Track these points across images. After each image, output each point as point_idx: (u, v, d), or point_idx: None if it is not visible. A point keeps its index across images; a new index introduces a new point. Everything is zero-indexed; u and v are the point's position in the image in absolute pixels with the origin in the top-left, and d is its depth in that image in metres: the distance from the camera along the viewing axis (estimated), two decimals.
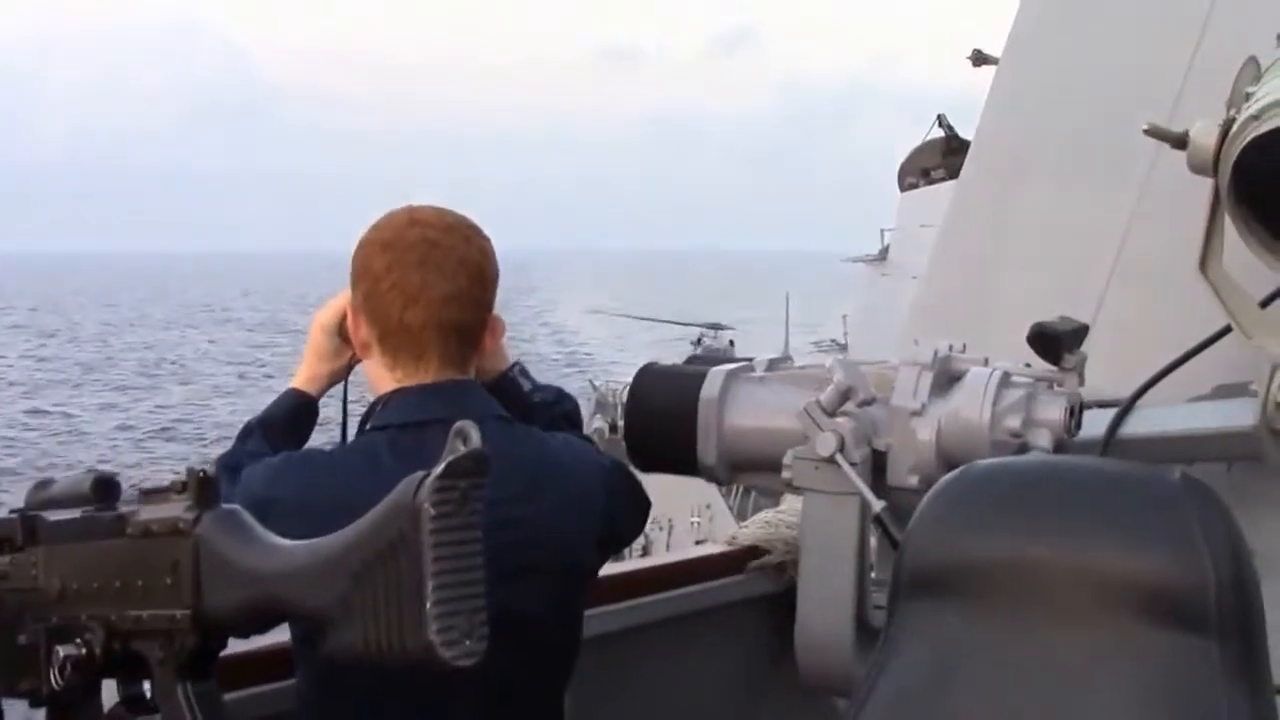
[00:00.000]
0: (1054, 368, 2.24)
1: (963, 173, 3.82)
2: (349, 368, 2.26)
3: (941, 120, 24.37)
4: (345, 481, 1.92)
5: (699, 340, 59.03)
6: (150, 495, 1.31)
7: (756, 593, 2.88)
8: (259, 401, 2.57)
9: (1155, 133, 2.48)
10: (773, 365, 2.48)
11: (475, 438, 1.18)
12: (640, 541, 21.03)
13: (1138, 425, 2.62)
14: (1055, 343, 2.22)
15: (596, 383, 43.74)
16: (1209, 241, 2.52)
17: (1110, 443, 2.60)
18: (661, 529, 20.43)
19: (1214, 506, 1.56)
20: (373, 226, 2.13)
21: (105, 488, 1.38)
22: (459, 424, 1.21)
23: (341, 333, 2.23)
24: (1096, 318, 3.04)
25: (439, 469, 1.15)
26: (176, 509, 1.28)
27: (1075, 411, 2.27)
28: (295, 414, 2.23)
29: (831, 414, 2.25)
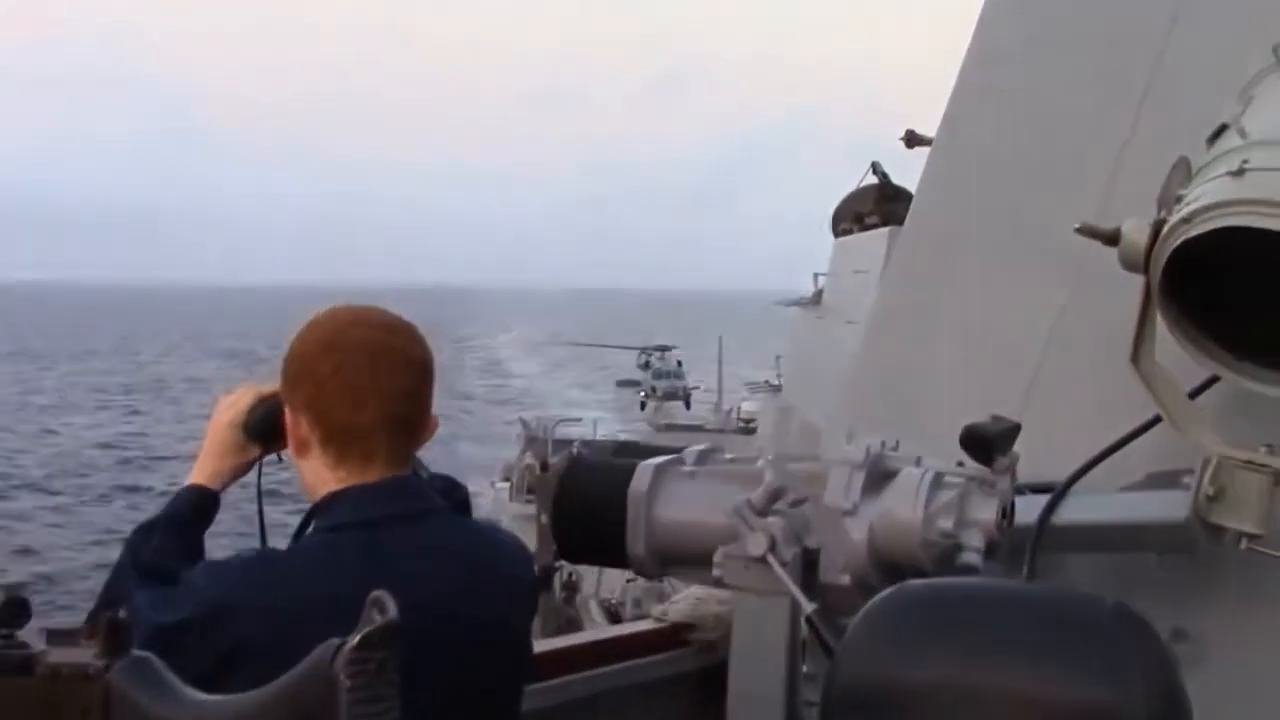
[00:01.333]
0: (986, 469, 2.26)
1: (895, 255, 3.85)
2: (252, 463, 2.28)
3: (876, 167, 24.60)
4: (310, 584, 1.95)
5: (646, 363, 59.72)
6: (58, 637, 1.29)
7: (688, 669, 2.91)
8: None
9: (1087, 231, 2.52)
10: (703, 458, 2.48)
11: (391, 609, 1.19)
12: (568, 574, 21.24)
13: (1070, 513, 2.64)
14: (987, 444, 2.24)
15: (527, 418, 44.01)
16: (1140, 336, 2.56)
17: (1043, 531, 2.62)
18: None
19: (1147, 636, 1.58)
20: (310, 327, 2.16)
21: (15, 609, 1.35)
22: (375, 594, 1.22)
23: (248, 428, 2.26)
24: (1029, 399, 3.07)
25: (354, 640, 1.13)
26: (86, 654, 1.25)
27: (1007, 512, 2.28)
28: (200, 512, 2.24)
29: (762, 513, 2.25)
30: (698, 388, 59.16)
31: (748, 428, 44.55)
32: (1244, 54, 2.56)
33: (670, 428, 48.38)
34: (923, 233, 3.66)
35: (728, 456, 2.51)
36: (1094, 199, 2.93)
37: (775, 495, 2.25)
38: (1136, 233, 2.44)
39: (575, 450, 2.70)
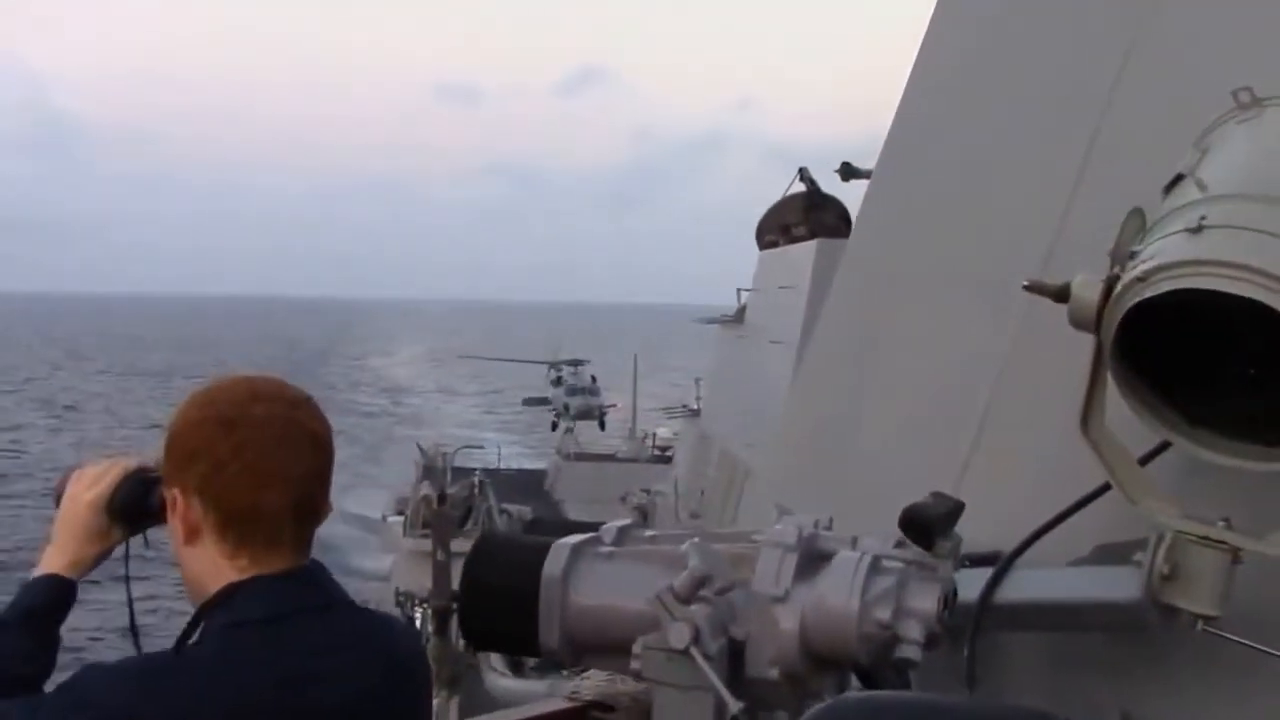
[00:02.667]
0: (927, 553, 2.26)
1: (830, 298, 3.85)
2: (112, 549, 2.26)
3: (804, 174, 24.74)
4: (218, 690, 1.95)
5: (558, 379, 59.59)
6: None
7: None
8: None
9: (1035, 288, 2.53)
10: (623, 536, 2.45)
11: None
12: None
13: (1014, 590, 2.64)
14: (928, 527, 2.24)
15: (424, 444, 43.73)
16: (1090, 399, 2.57)
17: (985, 609, 2.63)
18: None
19: None
20: (202, 401, 2.15)
21: None
22: None
23: (114, 509, 2.24)
24: (970, 460, 3.07)
25: None
26: None
27: (949, 600, 2.28)
28: (59, 605, 2.19)
29: (686, 600, 2.23)
30: (614, 406, 59.23)
31: (663, 456, 44.70)
32: (1201, 97, 2.59)
33: (581, 457, 48.36)
34: (859, 276, 3.66)
35: (648, 533, 2.49)
36: (1040, 247, 2.94)
37: (700, 581, 2.23)
38: (1087, 289, 2.45)
39: (480, 514, 2.64)
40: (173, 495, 2.14)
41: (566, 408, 54.36)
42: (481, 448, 43.64)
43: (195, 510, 2.11)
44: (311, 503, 2.14)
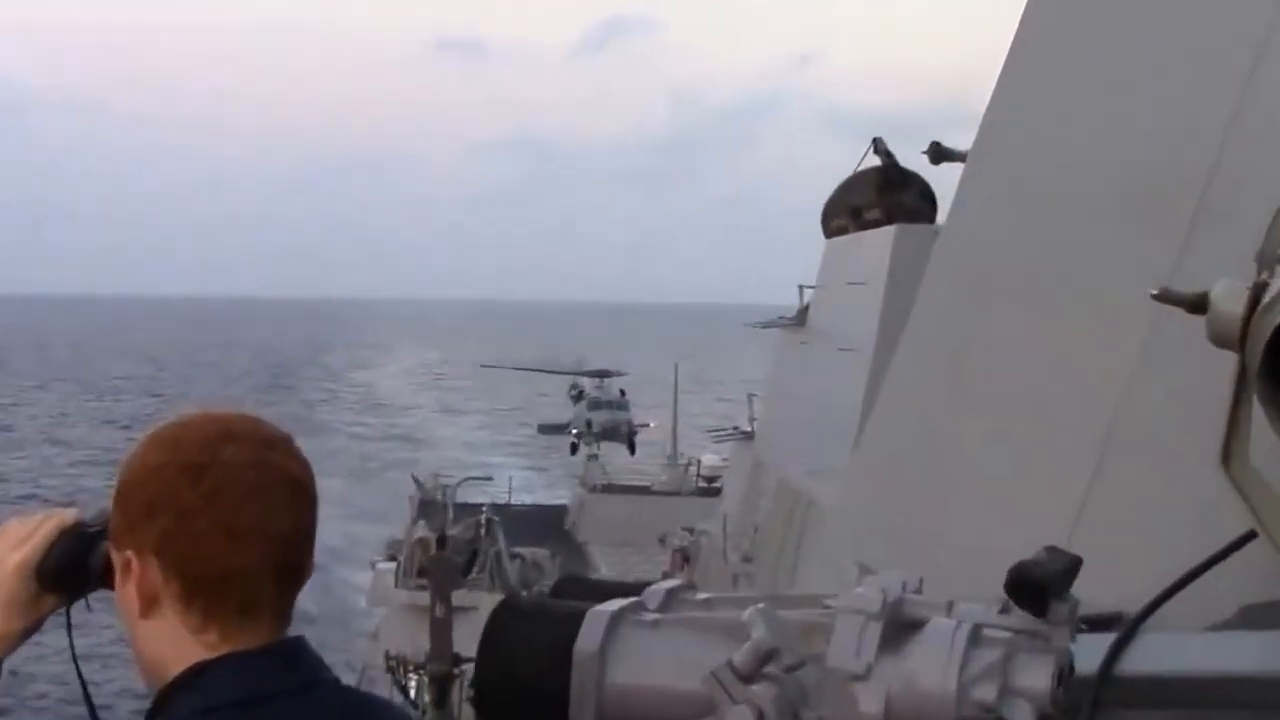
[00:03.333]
0: (1039, 619, 2.27)
1: (917, 307, 3.84)
2: (42, 622, 2.27)
3: (878, 146, 24.57)
4: None
5: (579, 393, 59.41)
6: None
7: None
8: None
9: (1166, 297, 2.54)
10: (670, 599, 2.45)
11: None
12: None
13: (1141, 659, 2.64)
14: (1039, 590, 2.25)
15: (419, 474, 43.69)
16: (1233, 431, 2.57)
17: (1105, 683, 2.64)
18: None
19: None
20: (162, 442, 2.16)
21: None
22: None
23: (46, 574, 2.24)
24: (1087, 503, 3.08)
25: None
26: None
27: (1064, 675, 2.29)
28: None
29: (748, 679, 2.25)
30: (647, 426, 58.96)
31: (710, 488, 44.53)
32: None
33: (609, 489, 48.25)
34: (952, 279, 3.65)
35: (701, 596, 2.50)
36: (1172, 247, 2.93)
37: (765, 656, 2.24)
38: (1229, 300, 2.45)
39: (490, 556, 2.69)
40: (124, 557, 2.14)
41: (589, 425, 54.17)
42: (489, 479, 43.54)
43: (153, 575, 2.12)
44: (294, 563, 2.16)
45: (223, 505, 2.09)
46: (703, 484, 43.49)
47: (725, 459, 37.52)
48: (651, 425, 58.03)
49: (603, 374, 58.45)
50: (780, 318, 29.34)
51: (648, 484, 46.69)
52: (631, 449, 54.80)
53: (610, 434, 54.13)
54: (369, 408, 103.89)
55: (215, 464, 2.11)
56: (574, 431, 56.01)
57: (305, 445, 2.31)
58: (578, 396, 57.61)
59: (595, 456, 51.24)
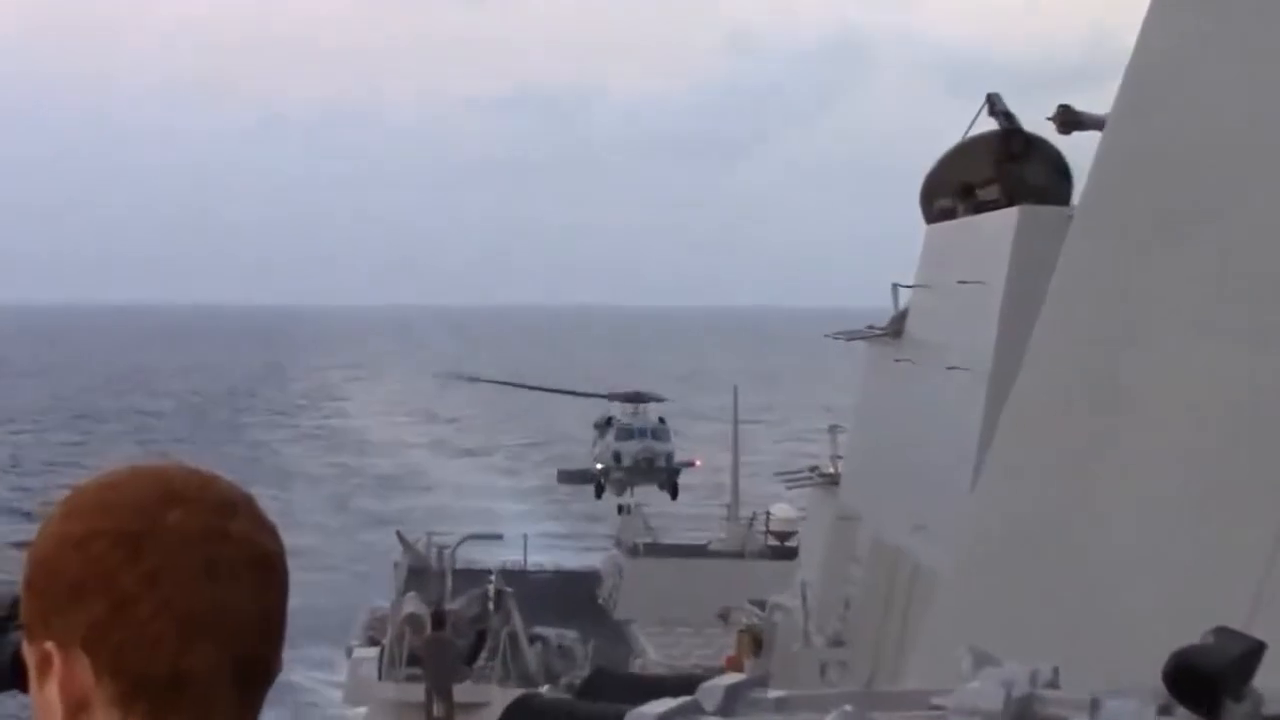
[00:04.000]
0: None
1: (1048, 307, 3.87)
2: None
3: (994, 104, 24.30)
4: None
5: (608, 420, 58.66)
6: None
7: None
8: None
9: None
10: (734, 698, 2.47)
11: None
12: None
13: None
14: (1209, 684, 2.22)
15: (407, 533, 43.10)
16: None
17: None
18: None
19: None
20: (86, 507, 2.16)
21: None
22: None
23: None
24: (1270, 575, 3.10)
25: None
26: None
27: None
28: None
29: None
30: (694, 465, 58.48)
31: (783, 549, 42.50)
32: None
33: (654, 550, 47.80)
34: (1094, 280, 3.67)
35: (773, 695, 2.53)
36: None
37: None
38: None
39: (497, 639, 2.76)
40: (43, 651, 2.14)
41: (617, 459, 53.75)
42: (498, 536, 43.08)
43: (82, 674, 2.12)
44: (259, 658, 2.17)
45: (169, 587, 2.09)
46: (774, 543, 43.18)
47: (802, 510, 37.22)
48: (699, 464, 57.67)
49: (637, 398, 57.99)
50: (870, 327, 28.85)
51: (704, 543, 46.33)
52: (673, 492, 54.37)
53: (645, 472, 53.61)
54: (340, 443, 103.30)
55: (157, 534, 2.11)
56: (598, 467, 55.60)
57: (261, 496, 2.29)
58: (605, 424, 57.13)
59: (628, 508, 50.83)
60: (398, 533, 41.74)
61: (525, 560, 45.94)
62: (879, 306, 27.70)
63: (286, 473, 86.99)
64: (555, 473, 62.07)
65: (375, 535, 58.66)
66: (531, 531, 52.34)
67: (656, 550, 45.83)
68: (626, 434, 55.31)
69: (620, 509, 52.18)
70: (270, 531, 2.21)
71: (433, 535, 38.85)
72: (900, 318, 25.44)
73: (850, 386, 32.58)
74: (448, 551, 36.49)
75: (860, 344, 28.51)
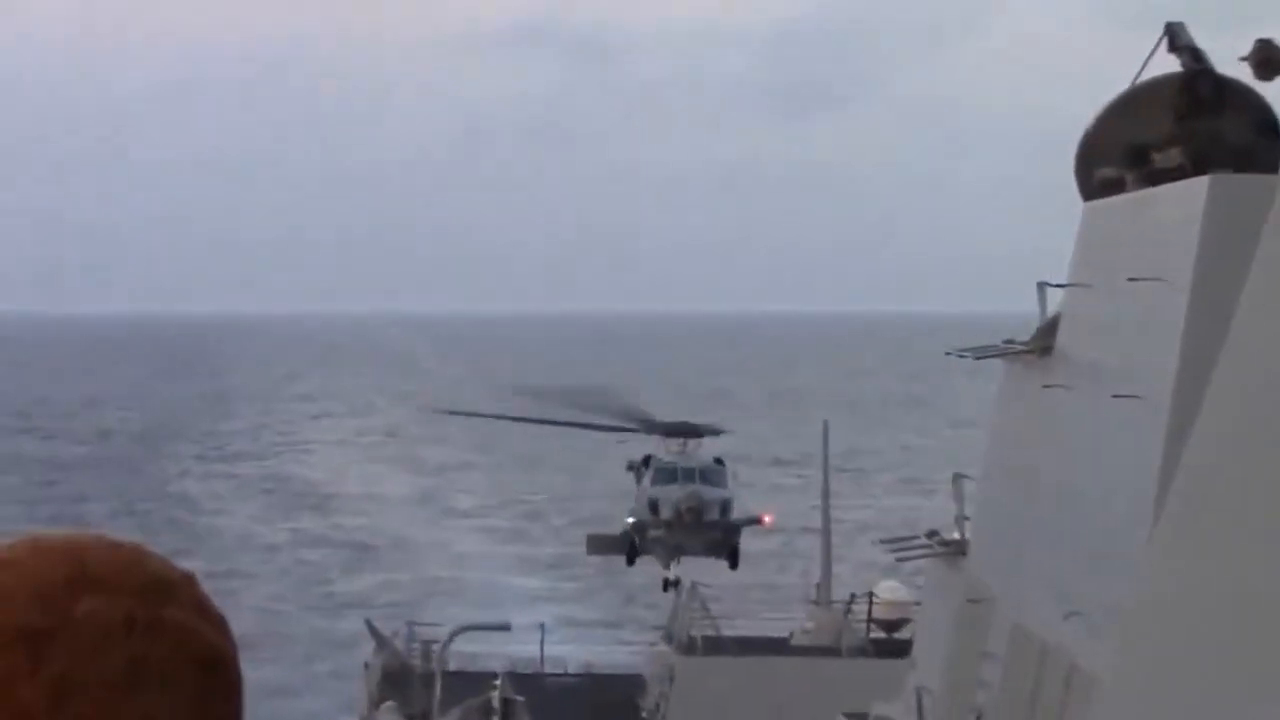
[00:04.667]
0: None
1: (1244, 311, 3.59)
2: None
3: (1176, 37, 23.99)
4: None
5: (645, 461, 58.57)
6: None
7: None
8: None
9: None
10: None
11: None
12: None
13: None
14: None
15: (383, 625, 43.12)
16: None
17: None
18: None
19: None
20: None
21: None
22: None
23: None
24: None
25: None
26: None
27: None
28: None
29: None
30: (758, 521, 58.13)
31: (890, 641, 43.76)
32: None
33: (713, 645, 47.80)
34: None
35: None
36: None
37: None
38: None
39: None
40: None
41: (654, 510, 53.33)
42: (505, 627, 43.14)
43: None
44: None
45: (81, 701, 2.17)
46: (878, 635, 43.35)
47: (917, 590, 37.29)
48: (769, 521, 57.60)
49: (685, 431, 57.61)
50: (1008, 342, 28.81)
51: (783, 635, 46.46)
52: (732, 559, 54.06)
53: (691, 529, 53.02)
54: (296, 499, 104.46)
55: (66, 630, 2.17)
56: (629, 521, 55.39)
57: (199, 573, 2.36)
58: (642, 464, 56.81)
59: (677, 584, 51.02)
60: (369, 623, 41.97)
61: (542, 658, 46.33)
62: (1019, 313, 27.49)
63: (226, 539, 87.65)
64: (584, 539, 61.78)
65: (340, 624, 59.00)
66: (549, 617, 52.62)
67: (719, 645, 45.95)
68: (667, 476, 54.69)
69: (666, 584, 52.49)
70: (216, 621, 2.29)
71: (415, 626, 39.07)
72: (1049, 329, 25.31)
73: (980, 421, 32.45)
74: (436, 647, 36.81)
75: (995, 364, 28.31)
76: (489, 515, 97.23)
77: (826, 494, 53.28)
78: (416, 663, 37.07)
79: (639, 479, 56.04)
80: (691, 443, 56.69)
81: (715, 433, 58.38)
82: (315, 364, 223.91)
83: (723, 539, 54.06)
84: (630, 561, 56.14)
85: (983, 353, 28.43)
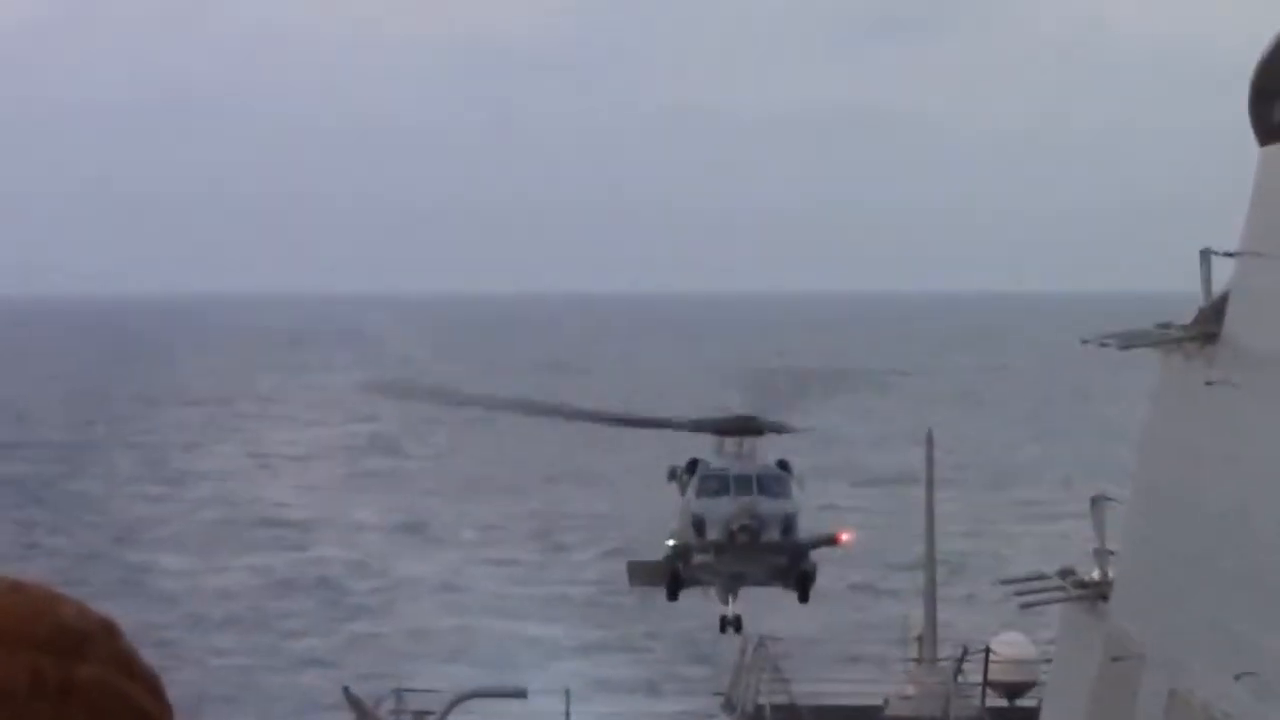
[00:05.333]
0: None
1: None
2: None
3: None
4: None
5: (690, 466, 58.57)
6: None
7: None
8: None
9: None
10: None
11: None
12: None
13: None
14: None
15: (365, 692, 43.36)
16: None
17: None
18: None
19: None
20: None
21: None
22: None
23: None
24: None
25: None
26: None
27: None
28: None
29: None
30: (836, 541, 58.14)
31: (1012, 711, 44.01)
32: None
33: (788, 716, 47.79)
34: None
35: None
36: None
37: None
38: None
39: None
40: None
41: (699, 529, 53.13)
42: (520, 694, 43.45)
43: None
44: None
45: None
46: (995, 701, 43.53)
47: (1046, 645, 37.47)
48: (846, 540, 57.62)
49: (745, 426, 57.42)
50: (1162, 326, 28.73)
51: (877, 703, 46.63)
52: (802, 591, 53.97)
53: (746, 552, 52.88)
54: (247, 525, 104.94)
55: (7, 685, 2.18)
56: (670, 545, 55.35)
57: (128, 622, 2.40)
58: (688, 470, 56.76)
59: (738, 626, 51.17)
60: (346, 690, 42.05)
61: None
62: (1174, 292, 27.54)
63: (164, 579, 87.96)
64: (620, 570, 61.68)
65: (308, 683, 59.13)
66: (576, 679, 52.70)
67: (793, 716, 46.21)
68: (715, 487, 54.30)
69: (724, 624, 52.68)
70: (145, 680, 2.32)
71: (404, 692, 39.20)
72: (1215, 309, 25.30)
73: (1128, 425, 32.52)
74: (433, 719, 36.87)
75: (1145, 354, 28.33)
76: (495, 544, 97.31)
77: (931, 524, 52.82)
78: None
79: (682, 490, 56.13)
80: (748, 442, 56.81)
81: (780, 430, 58.22)
82: (276, 348, 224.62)
83: (788, 565, 53.87)
84: (672, 595, 55.92)
85: (1131, 340, 28.37)
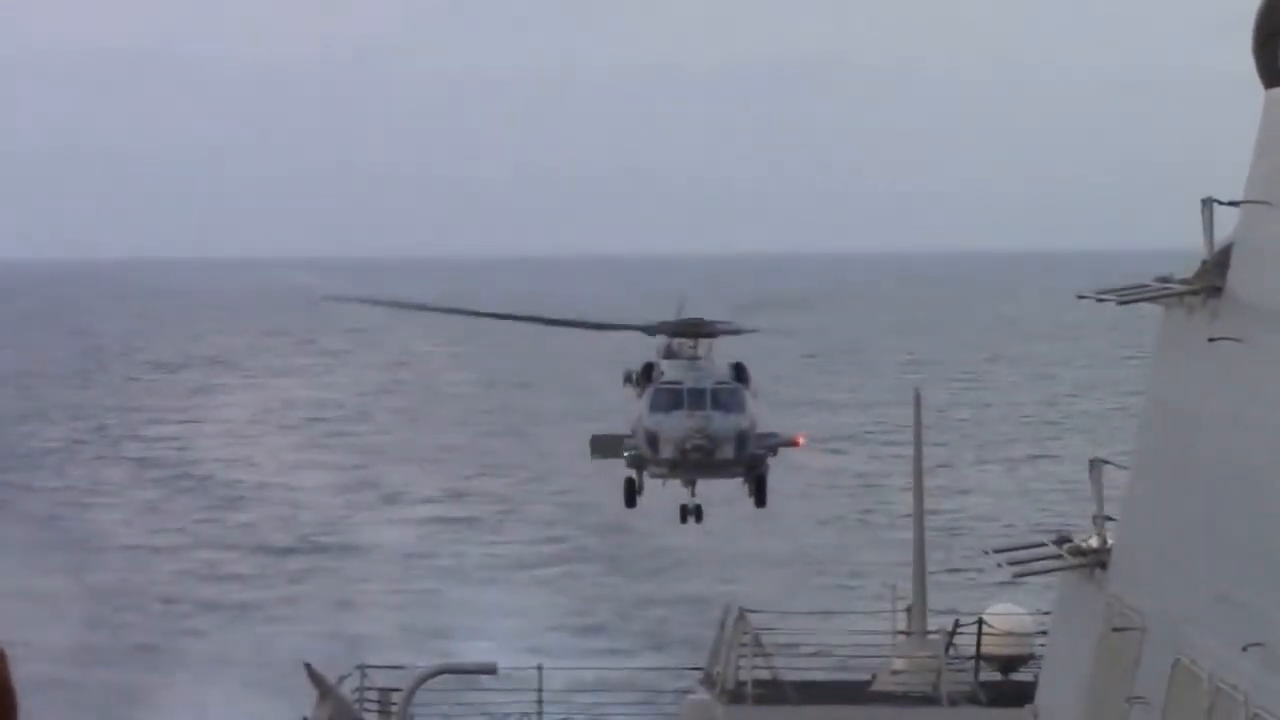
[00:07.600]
0: None
1: None
2: None
3: None
4: None
5: (646, 371, 58.70)
6: None
7: None
8: None
9: None
10: None
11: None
12: None
13: None
14: None
15: (327, 669, 43.29)
16: None
17: None
18: None
19: None
20: None
21: None
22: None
23: None
24: None
25: None
26: None
27: None
28: None
29: None
30: (795, 443, 58.16)
31: (1006, 685, 43.49)
32: None
33: (770, 691, 47.64)
34: None
35: None
36: None
37: None
38: None
39: None
40: None
41: (654, 445, 53.14)
42: (490, 669, 43.25)
43: None
44: None
45: None
46: (989, 675, 43.39)
47: (1042, 616, 37.44)
48: (802, 442, 57.61)
49: (694, 329, 57.71)
50: (1159, 280, 28.68)
51: (864, 678, 46.44)
52: (758, 495, 54.18)
53: (701, 467, 52.88)
54: (197, 491, 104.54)
55: None
56: (626, 455, 55.49)
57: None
58: (644, 377, 57.07)
59: (697, 515, 51.51)
60: (308, 667, 42.10)
61: (540, 711, 47.02)
62: (1173, 249, 27.61)
63: (110, 544, 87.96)
64: (586, 528, 61.81)
65: (270, 665, 59.07)
66: (550, 652, 52.59)
67: (776, 692, 45.94)
68: (669, 401, 54.59)
69: (685, 514, 52.98)
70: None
71: (368, 669, 39.26)
72: (1219, 262, 25.27)
73: (1128, 385, 32.63)
74: (397, 698, 36.90)
75: (1145, 309, 28.29)
76: (454, 500, 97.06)
77: (919, 490, 52.54)
78: (371, 718, 37.33)
79: (639, 393, 56.33)
80: (704, 345, 57.07)
81: (735, 331, 58.49)
82: (221, 318, 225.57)
83: (744, 474, 54.57)
84: (630, 503, 56.47)
85: (1129, 295, 28.28)
